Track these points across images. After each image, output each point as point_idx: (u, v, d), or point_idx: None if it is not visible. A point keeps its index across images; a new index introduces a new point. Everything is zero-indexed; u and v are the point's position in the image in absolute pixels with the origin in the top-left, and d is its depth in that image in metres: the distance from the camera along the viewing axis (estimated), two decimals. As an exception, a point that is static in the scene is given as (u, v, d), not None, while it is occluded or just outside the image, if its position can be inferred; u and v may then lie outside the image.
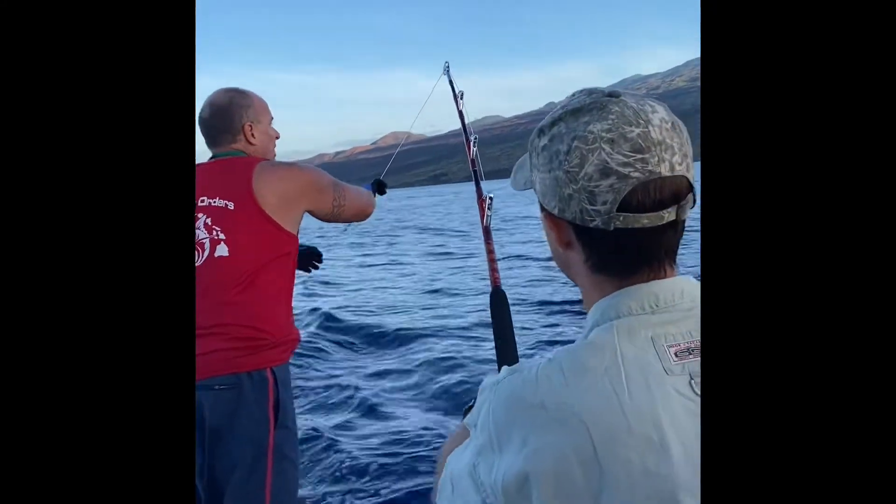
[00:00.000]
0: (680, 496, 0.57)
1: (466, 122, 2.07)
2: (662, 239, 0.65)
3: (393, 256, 13.32)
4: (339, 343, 5.77)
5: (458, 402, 4.05)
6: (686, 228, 0.68)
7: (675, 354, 0.62)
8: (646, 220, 0.63)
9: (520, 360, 1.28)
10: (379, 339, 5.84)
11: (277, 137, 1.85)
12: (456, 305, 7.24)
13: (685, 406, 0.60)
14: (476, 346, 5.27)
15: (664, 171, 0.62)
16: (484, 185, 1.83)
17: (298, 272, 1.82)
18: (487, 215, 1.66)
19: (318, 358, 5.24)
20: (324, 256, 2.11)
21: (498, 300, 1.51)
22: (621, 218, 0.63)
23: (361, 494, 2.95)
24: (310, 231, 1.96)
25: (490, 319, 1.50)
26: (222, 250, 1.57)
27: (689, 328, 0.64)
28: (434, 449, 3.33)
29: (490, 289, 1.56)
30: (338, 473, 3.17)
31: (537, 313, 6.32)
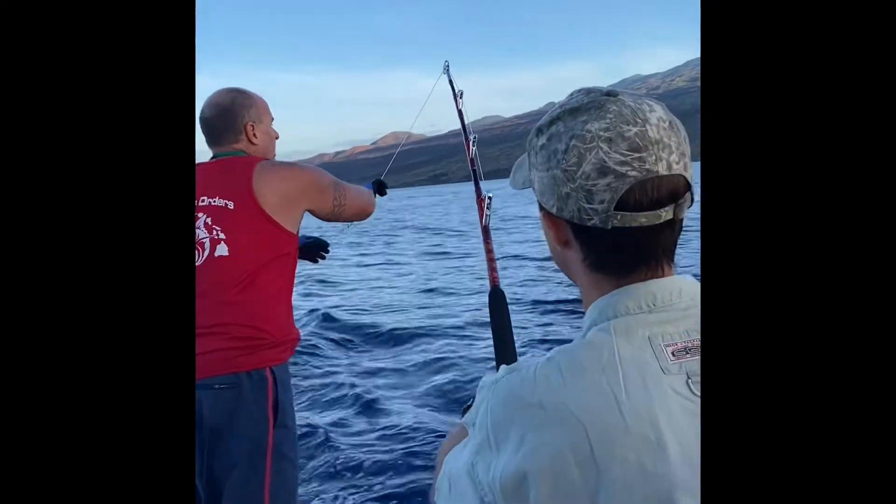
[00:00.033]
0: (677, 495, 0.57)
1: (466, 121, 2.07)
2: (660, 238, 0.66)
3: (389, 256, 13.32)
4: (334, 341, 5.79)
5: (451, 398, 4.09)
6: (682, 228, 0.68)
7: (673, 354, 0.62)
8: (643, 218, 0.63)
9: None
10: (374, 338, 5.86)
11: (277, 138, 1.85)
12: (451, 305, 7.25)
13: (682, 405, 0.60)
14: (470, 344, 5.30)
15: (661, 169, 0.62)
16: (483, 184, 1.83)
17: (304, 262, 1.82)
18: (486, 215, 1.66)
19: (313, 356, 5.26)
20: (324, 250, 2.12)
21: (497, 299, 1.51)
22: (619, 217, 0.63)
23: (355, 491, 2.96)
24: (309, 230, 1.97)
25: (488, 318, 1.50)
26: (222, 250, 1.57)
27: (686, 327, 0.64)
28: (428, 445, 3.35)
29: (489, 288, 1.56)
30: (332, 470, 3.18)
31: (531, 312, 6.37)
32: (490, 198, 1.67)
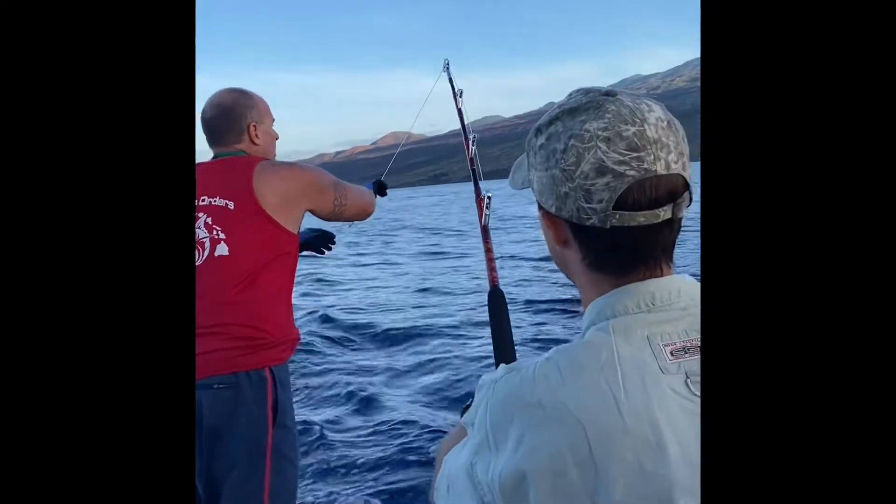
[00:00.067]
0: (676, 495, 0.57)
1: (466, 121, 2.06)
2: (658, 237, 0.66)
3: (387, 256, 13.32)
4: (330, 339, 5.80)
5: (445, 396, 4.12)
6: (681, 228, 0.68)
7: (671, 353, 0.62)
8: (642, 218, 0.63)
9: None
10: (371, 337, 5.88)
11: (277, 138, 1.85)
12: (446, 304, 7.27)
13: (681, 405, 0.60)
14: (464, 344, 5.32)
15: (660, 169, 0.62)
16: (483, 184, 1.83)
17: (302, 261, 1.81)
18: (486, 214, 1.65)
19: (310, 354, 5.28)
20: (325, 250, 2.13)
21: (496, 299, 1.51)
22: (617, 216, 0.63)
23: (351, 488, 2.97)
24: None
25: (483, 318, 1.50)
26: (222, 250, 1.57)
27: (684, 327, 0.64)
28: (422, 441, 3.37)
29: (488, 288, 1.56)
30: (326, 466, 3.20)
31: (524, 311, 6.39)
32: (489, 197, 1.67)
